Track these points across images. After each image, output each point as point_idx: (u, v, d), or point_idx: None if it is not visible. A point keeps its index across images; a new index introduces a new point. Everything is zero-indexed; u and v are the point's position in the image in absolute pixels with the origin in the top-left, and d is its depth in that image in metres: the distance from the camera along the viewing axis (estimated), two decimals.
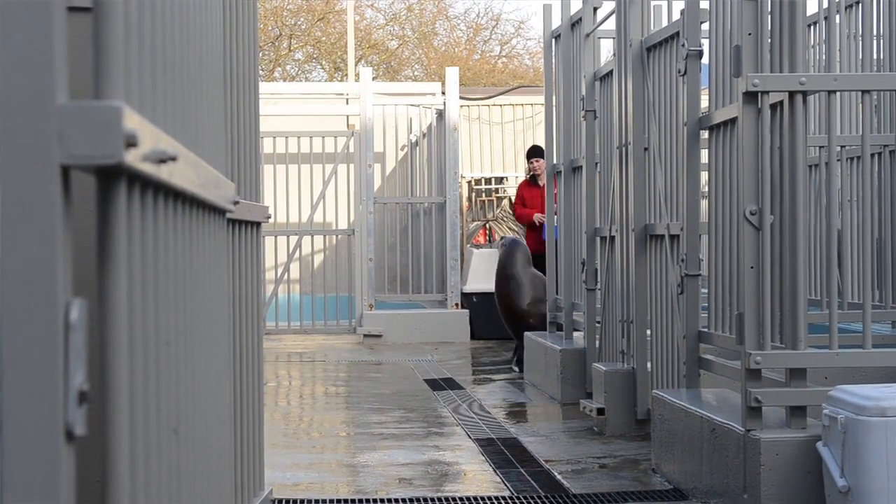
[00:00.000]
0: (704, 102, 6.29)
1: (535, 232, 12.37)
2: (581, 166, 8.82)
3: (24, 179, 1.49)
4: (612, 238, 7.78)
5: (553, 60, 9.83)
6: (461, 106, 15.35)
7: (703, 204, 6.67)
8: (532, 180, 12.54)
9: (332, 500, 5.44)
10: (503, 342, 13.02)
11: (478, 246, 15.07)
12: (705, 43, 6.12)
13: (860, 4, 7.60)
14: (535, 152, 12.46)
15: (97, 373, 1.69)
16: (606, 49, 9.17)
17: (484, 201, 16.09)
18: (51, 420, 1.48)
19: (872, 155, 7.29)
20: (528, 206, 12.50)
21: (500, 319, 11.12)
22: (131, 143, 1.58)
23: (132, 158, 1.62)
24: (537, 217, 12.25)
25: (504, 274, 10.80)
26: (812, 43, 8.03)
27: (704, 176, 6.52)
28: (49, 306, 1.48)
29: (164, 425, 2.08)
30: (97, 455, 1.72)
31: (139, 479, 1.86)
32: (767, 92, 4.97)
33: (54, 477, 1.48)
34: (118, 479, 1.73)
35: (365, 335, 13.81)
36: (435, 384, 9.80)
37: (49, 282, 1.49)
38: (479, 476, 6.02)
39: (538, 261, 11.57)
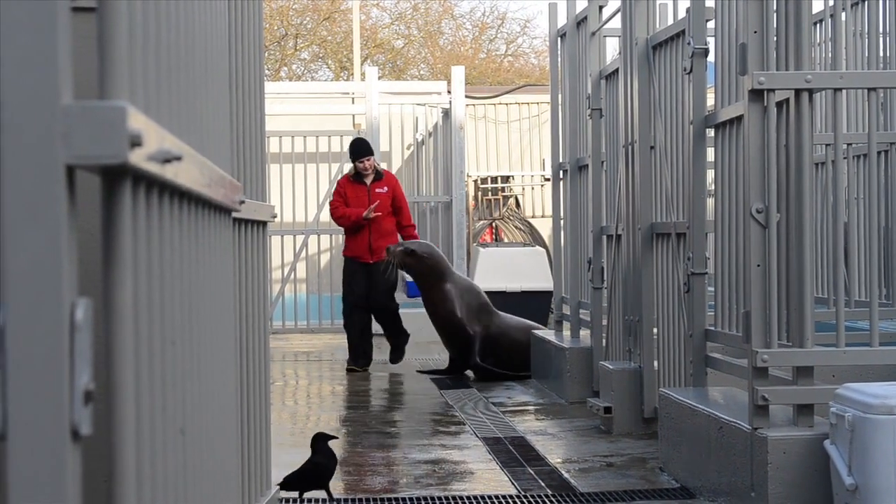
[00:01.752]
0: (710, 100, 6.28)
1: (360, 235, 10.80)
2: (587, 165, 8.81)
3: (29, 180, 1.49)
4: (619, 236, 7.77)
5: (559, 59, 9.82)
6: (467, 105, 15.35)
7: (710, 202, 6.66)
8: (356, 178, 10.85)
9: (338, 499, 5.44)
10: None
11: (484, 245, 15.07)
12: (711, 41, 6.12)
13: (866, 2, 7.59)
14: (364, 150, 10.85)
15: (103, 372, 1.69)
16: (612, 47, 9.17)
17: (490, 200, 16.10)
18: (57, 420, 1.49)
19: (879, 153, 7.27)
20: (350, 206, 10.79)
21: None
22: (136, 142, 1.58)
23: (137, 158, 1.62)
24: (368, 212, 10.66)
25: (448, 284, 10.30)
26: (818, 41, 8.02)
27: (710, 174, 6.51)
28: (55, 306, 1.49)
29: (171, 425, 2.08)
30: (104, 454, 1.73)
31: (146, 478, 1.86)
32: (773, 90, 4.96)
33: (61, 476, 1.49)
34: (125, 479, 1.73)
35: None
36: (442, 383, 9.80)
37: (54, 282, 1.49)
38: (486, 475, 6.01)
39: (367, 269, 10.70)
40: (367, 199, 10.72)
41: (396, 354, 10.97)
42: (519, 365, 10.13)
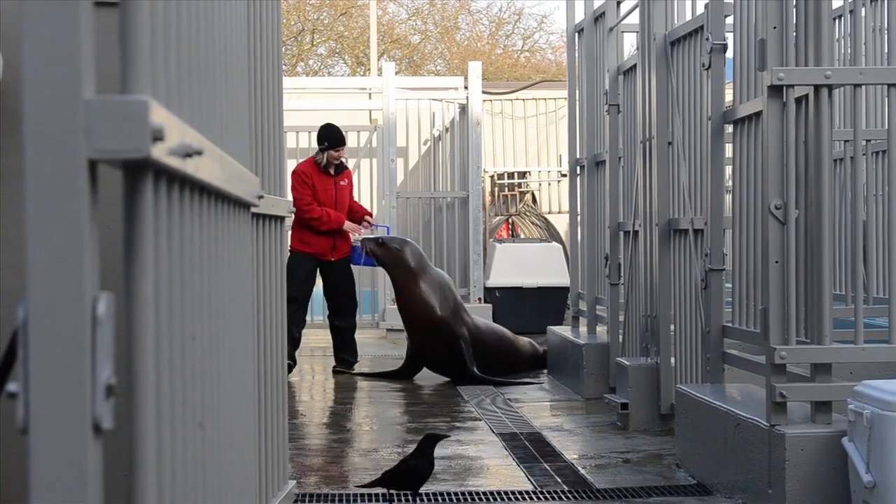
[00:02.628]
0: (729, 96, 6.26)
1: (324, 234, 9.93)
2: (604, 161, 8.80)
3: (51, 174, 1.49)
4: (636, 233, 7.76)
5: (576, 55, 9.81)
6: (484, 100, 15.33)
7: (728, 198, 6.65)
8: (324, 169, 9.93)
9: (355, 495, 5.44)
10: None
11: (501, 240, 15.07)
12: (730, 37, 6.10)
13: None
14: (343, 139, 10.00)
15: (124, 367, 1.70)
16: (630, 43, 9.16)
17: (507, 196, 16.08)
18: (78, 414, 1.49)
19: None
20: (321, 201, 9.90)
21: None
22: (158, 137, 1.58)
23: (159, 153, 1.62)
24: (351, 228, 10.02)
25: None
26: (837, 36, 7.99)
27: (729, 170, 6.50)
28: (76, 300, 1.49)
29: (190, 419, 2.09)
30: (124, 448, 1.73)
31: (165, 472, 1.86)
32: (792, 86, 4.94)
33: (82, 470, 1.49)
34: (145, 473, 1.74)
35: (388, 329, 13.82)
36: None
37: (76, 276, 1.49)
38: (502, 470, 6.01)
39: (328, 268, 10.00)
40: (333, 194, 9.92)
41: (346, 364, 10.21)
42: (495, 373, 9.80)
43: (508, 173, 16.22)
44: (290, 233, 10.08)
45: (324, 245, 9.92)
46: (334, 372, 10.17)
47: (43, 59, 1.49)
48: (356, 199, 10.41)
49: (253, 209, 3.39)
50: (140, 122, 1.54)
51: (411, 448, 6.61)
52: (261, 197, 3.34)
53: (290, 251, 9.87)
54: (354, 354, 10.29)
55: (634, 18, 8.11)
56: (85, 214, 1.49)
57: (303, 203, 9.77)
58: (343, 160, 10.07)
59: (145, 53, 1.72)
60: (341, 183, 9.99)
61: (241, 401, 2.96)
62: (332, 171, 9.94)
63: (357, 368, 10.28)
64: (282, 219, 4.61)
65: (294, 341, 9.93)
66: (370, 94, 15.56)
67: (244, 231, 3.04)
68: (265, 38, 4.30)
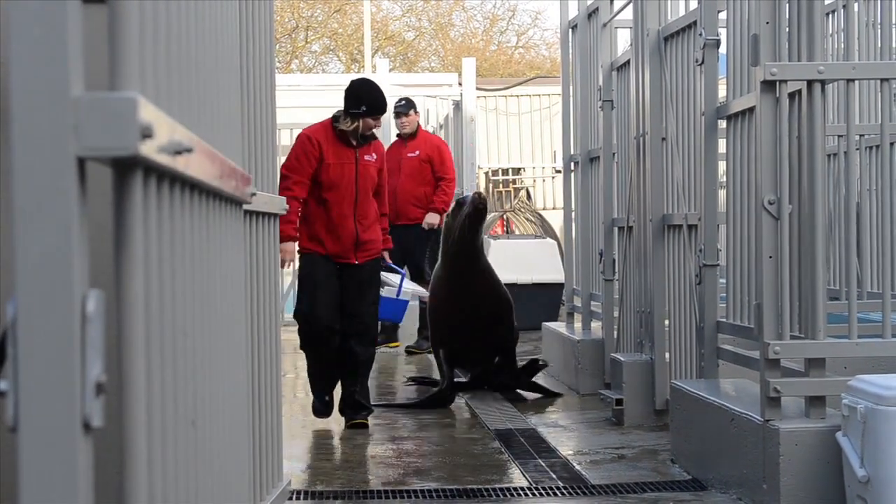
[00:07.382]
0: (722, 92, 6.26)
1: (344, 224, 6.98)
2: (598, 156, 8.80)
3: (40, 172, 1.49)
4: (630, 228, 7.76)
5: (570, 51, 9.80)
6: (478, 97, 15.33)
7: (721, 194, 6.65)
8: (343, 138, 7.05)
9: (349, 492, 5.44)
10: (520, 333, 12.94)
11: (495, 237, 15.07)
12: (723, 32, 6.10)
13: None
14: (382, 105, 7.08)
15: (114, 364, 1.69)
16: (624, 39, 9.15)
17: (501, 192, 16.09)
18: (68, 411, 1.49)
19: (892, 143, 7.24)
20: (333, 182, 6.97)
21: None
22: (147, 134, 1.58)
23: (148, 150, 1.62)
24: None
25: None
26: (830, 31, 7.99)
27: (722, 166, 6.50)
28: (66, 298, 1.49)
29: (182, 417, 2.08)
30: (116, 446, 1.73)
31: (157, 469, 1.86)
32: (785, 81, 4.94)
33: (72, 468, 1.49)
34: (136, 470, 1.73)
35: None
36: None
37: (66, 274, 1.49)
38: (497, 466, 6.01)
39: (350, 275, 7.00)
40: (354, 172, 7.00)
41: (357, 409, 7.17)
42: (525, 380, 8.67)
43: (503, 170, 16.24)
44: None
45: (346, 242, 7.04)
46: (350, 425, 7.17)
47: (31, 57, 1.49)
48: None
49: (245, 206, 3.39)
50: (128, 119, 1.53)
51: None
52: (253, 194, 3.33)
53: (300, 252, 7.18)
54: (369, 398, 7.41)
55: (628, 14, 8.11)
56: (74, 212, 1.49)
57: (281, 181, 6.75)
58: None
59: (134, 51, 1.72)
60: (366, 158, 7.07)
61: (235, 398, 2.96)
62: (354, 142, 7.04)
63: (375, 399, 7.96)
64: (275, 216, 4.61)
65: (329, 380, 7.31)
66: None
67: (236, 228, 3.04)
68: (257, 35, 4.30)
